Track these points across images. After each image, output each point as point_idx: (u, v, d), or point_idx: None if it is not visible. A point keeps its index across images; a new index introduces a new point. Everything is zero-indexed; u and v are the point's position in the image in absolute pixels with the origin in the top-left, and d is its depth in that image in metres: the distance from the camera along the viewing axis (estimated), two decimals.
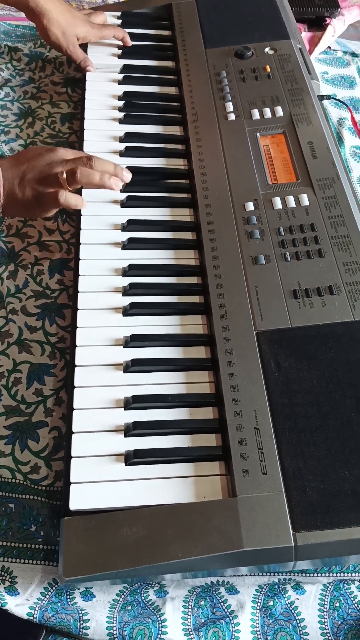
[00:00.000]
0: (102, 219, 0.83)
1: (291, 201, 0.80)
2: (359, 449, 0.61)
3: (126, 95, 0.99)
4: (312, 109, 0.91)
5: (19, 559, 0.64)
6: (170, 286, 0.77)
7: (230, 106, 0.93)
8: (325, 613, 0.63)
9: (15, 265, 0.84)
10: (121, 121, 0.96)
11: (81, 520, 0.59)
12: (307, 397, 0.64)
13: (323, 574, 0.64)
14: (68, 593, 0.62)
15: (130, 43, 1.08)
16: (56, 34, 1.00)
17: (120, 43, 1.08)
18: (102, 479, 0.61)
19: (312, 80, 0.98)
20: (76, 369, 0.69)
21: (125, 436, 0.64)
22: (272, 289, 0.72)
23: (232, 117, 0.92)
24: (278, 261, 0.75)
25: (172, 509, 0.59)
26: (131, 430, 0.64)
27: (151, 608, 0.62)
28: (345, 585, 0.64)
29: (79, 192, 0.82)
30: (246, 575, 0.64)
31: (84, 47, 1.05)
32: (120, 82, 1.02)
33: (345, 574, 0.64)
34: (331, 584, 0.64)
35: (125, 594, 0.63)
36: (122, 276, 0.77)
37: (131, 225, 0.82)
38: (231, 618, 0.62)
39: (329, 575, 0.64)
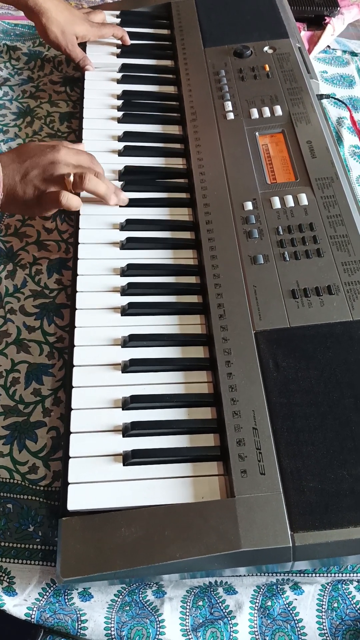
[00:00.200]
0: (100, 218, 0.83)
1: (290, 201, 0.80)
2: (358, 449, 0.61)
3: (125, 94, 0.99)
4: (311, 108, 0.91)
5: (17, 559, 0.64)
6: (168, 286, 0.77)
7: (229, 105, 0.93)
8: (323, 613, 0.63)
9: (14, 265, 0.84)
10: (120, 120, 0.95)
11: (79, 520, 0.59)
12: (306, 397, 0.64)
13: (321, 575, 0.64)
14: (66, 593, 0.62)
15: (129, 42, 1.08)
16: (55, 33, 1.00)
17: (119, 42, 1.08)
18: (100, 479, 0.61)
19: (311, 79, 0.97)
20: (74, 368, 0.68)
21: (123, 436, 0.64)
22: (270, 288, 0.72)
23: (231, 116, 0.92)
24: (277, 261, 0.75)
25: (170, 509, 0.59)
26: (129, 430, 0.64)
27: (149, 608, 0.62)
28: (343, 585, 0.64)
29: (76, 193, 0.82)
30: (244, 575, 0.64)
31: (82, 46, 1.05)
32: (119, 81, 1.02)
33: (344, 575, 0.64)
34: (329, 584, 0.64)
35: (123, 594, 0.63)
36: (121, 276, 0.77)
37: (129, 224, 0.82)
38: (229, 618, 0.62)
39: (327, 576, 0.64)
